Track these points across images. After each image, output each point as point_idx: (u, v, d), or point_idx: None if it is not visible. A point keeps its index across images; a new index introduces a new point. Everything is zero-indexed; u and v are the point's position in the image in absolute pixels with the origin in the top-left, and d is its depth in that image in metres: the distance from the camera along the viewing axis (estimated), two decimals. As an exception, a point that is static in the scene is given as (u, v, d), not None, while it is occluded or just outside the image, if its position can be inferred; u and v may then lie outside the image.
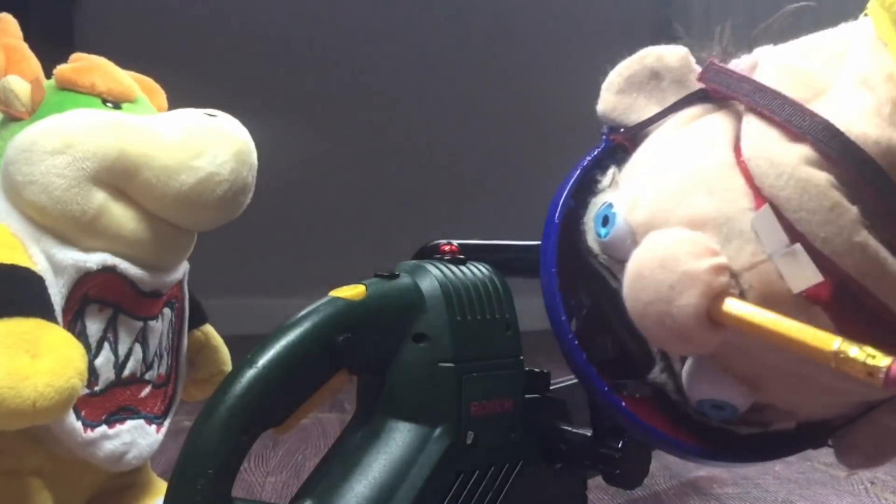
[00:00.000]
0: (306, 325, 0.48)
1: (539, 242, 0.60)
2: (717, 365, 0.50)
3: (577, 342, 0.53)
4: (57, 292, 0.53)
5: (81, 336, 0.54)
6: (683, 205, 0.48)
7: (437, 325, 0.52)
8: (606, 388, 0.53)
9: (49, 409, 0.48)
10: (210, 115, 0.58)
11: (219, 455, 0.45)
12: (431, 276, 0.53)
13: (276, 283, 2.30)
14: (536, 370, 0.57)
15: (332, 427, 1.11)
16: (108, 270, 0.55)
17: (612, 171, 0.55)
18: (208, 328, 0.68)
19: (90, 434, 0.54)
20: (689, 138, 0.51)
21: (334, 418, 1.15)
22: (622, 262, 0.50)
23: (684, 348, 0.48)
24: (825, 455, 0.96)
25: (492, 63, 2.44)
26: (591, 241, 0.54)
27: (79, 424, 0.54)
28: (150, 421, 0.59)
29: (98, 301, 0.55)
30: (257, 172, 0.59)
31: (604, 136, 0.58)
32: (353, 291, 0.51)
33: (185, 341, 0.64)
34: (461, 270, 0.54)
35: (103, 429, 0.55)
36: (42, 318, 0.50)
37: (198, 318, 0.66)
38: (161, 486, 0.63)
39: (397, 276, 0.53)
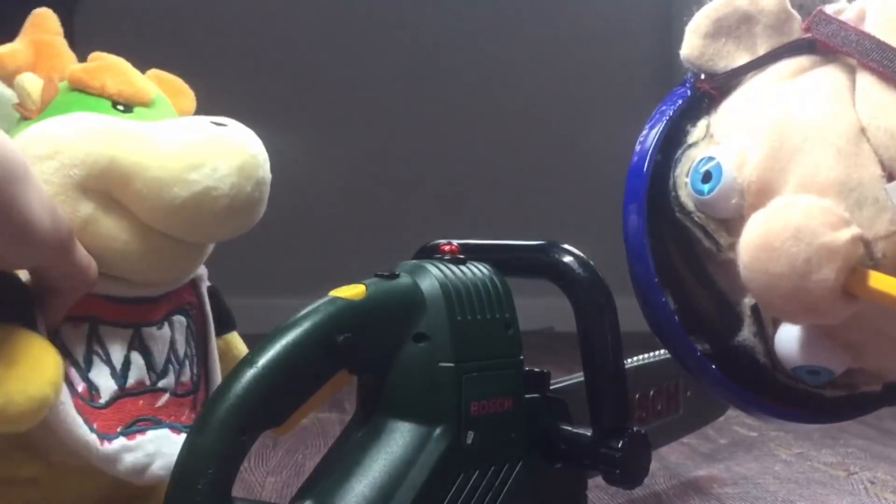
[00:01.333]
0: (306, 324, 0.48)
1: (539, 242, 0.60)
2: (820, 331, 0.48)
3: (670, 306, 0.51)
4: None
5: (64, 353, 0.52)
6: (805, 165, 0.46)
7: (437, 324, 0.52)
8: (699, 353, 0.51)
9: (19, 416, 0.47)
10: (219, 123, 0.56)
11: (218, 455, 0.45)
12: (431, 276, 0.53)
13: (277, 283, 2.30)
14: (536, 370, 0.57)
15: (332, 427, 1.11)
16: None
17: (704, 121, 0.53)
18: (233, 337, 0.65)
19: (108, 447, 0.53)
20: (804, 92, 0.48)
21: (334, 418, 1.15)
22: (721, 221, 0.49)
23: (813, 320, 0.46)
24: (825, 455, 0.96)
25: (491, 63, 2.43)
26: (685, 196, 0.51)
27: (93, 437, 0.52)
28: (177, 430, 0.57)
29: (70, 318, 0.54)
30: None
31: (687, 84, 0.54)
32: (352, 291, 0.51)
33: (214, 348, 0.62)
34: (461, 270, 0.54)
35: (122, 441, 0.54)
36: (22, 326, 0.49)
37: (223, 326, 0.64)
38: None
39: (397, 275, 0.53)
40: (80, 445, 0.52)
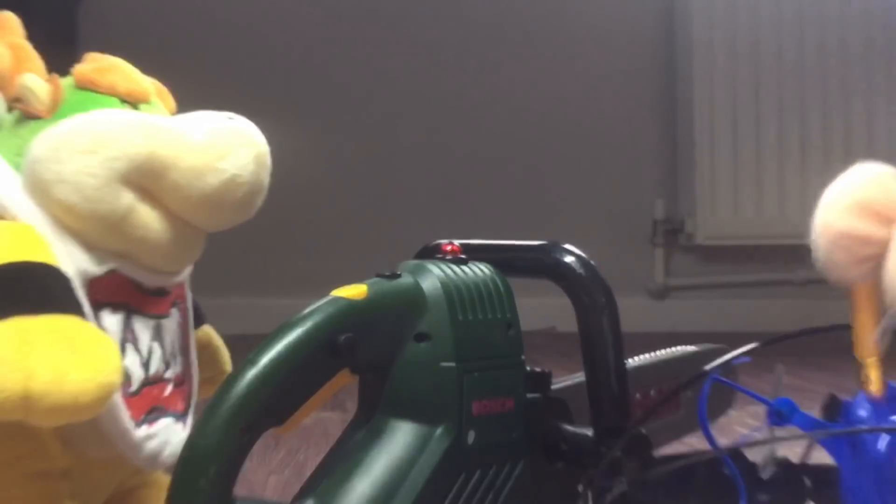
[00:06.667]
0: (308, 324, 0.49)
1: (540, 242, 0.60)
2: None
3: None
4: (81, 295, 0.53)
5: None
6: None
7: (438, 324, 0.52)
8: None
9: (89, 404, 0.47)
10: (228, 117, 0.59)
11: (220, 454, 0.46)
12: (433, 276, 0.53)
13: (277, 283, 2.30)
14: (538, 370, 0.57)
15: (333, 426, 1.11)
16: (111, 272, 0.55)
17: None
18: (209, 329, 0.68)
19: (138, 433, 0.55)
20: None
21: (336, 417, 1.15)
22: None
23: None
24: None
25: (493, 64, 2.43)
26: None
27: (132, 425, 0.54)
28: (176, 419, 0.59)
29: (109, 304, 0.55)
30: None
31: None
32: (354, 291, 0.51)
33: (194, 340, 0.64)
34: (463, 270, 0.54)
35: (145, 428, 0.55)
36: (77, 316, 0.51)
37: (198, 319, 0.66)
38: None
39: (399, 275, 0.53)
40: (119, 432, 0.53)
